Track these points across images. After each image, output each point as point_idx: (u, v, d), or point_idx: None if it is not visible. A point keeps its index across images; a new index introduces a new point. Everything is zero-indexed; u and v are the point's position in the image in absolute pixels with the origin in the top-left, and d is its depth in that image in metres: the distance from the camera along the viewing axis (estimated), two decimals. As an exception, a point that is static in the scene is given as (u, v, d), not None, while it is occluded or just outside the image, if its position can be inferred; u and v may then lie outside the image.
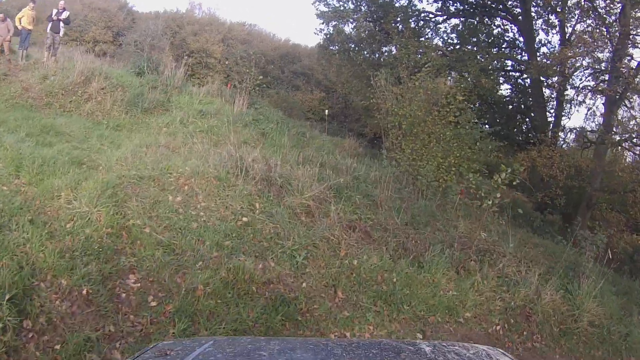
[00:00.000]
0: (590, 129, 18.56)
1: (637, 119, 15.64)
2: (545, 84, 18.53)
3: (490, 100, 19.46)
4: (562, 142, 18.65)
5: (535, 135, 17.60)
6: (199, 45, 30.51)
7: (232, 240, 6.08)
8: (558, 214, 16.02)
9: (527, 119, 20.41)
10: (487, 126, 13.82)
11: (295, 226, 6.65)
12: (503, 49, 19.63)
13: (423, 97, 12.67)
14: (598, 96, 18.13)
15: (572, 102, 18.50)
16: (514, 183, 8.18)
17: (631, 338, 6.94)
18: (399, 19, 18.69)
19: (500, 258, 7.51)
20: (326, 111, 15.98)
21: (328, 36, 22.46)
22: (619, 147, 16.59)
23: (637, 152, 15.35)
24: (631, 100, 16.78)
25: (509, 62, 20.06)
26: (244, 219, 6.62)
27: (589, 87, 17.83)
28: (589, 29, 15.45)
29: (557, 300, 6.95)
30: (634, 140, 15.44)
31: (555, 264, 8.61)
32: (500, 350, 2.01)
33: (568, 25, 18.13)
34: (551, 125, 18.12)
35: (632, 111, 16.83)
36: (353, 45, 21.79)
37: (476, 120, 12.47)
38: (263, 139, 13.31)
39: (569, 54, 14.53)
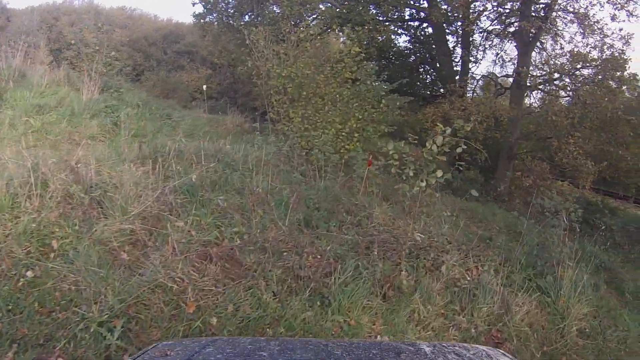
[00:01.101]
0: (500, 75, 17.17)
1: (555, 59, 14.11)
2: (448, 31, 16.83)
3: (389, 55, 17.52)
4: (471, 92, 17.06)
5: (443, 86, 15.85)
6: (74, 36, 26.62)
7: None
8: (476, 169, 14.40)
9: (432, 70, 18.70)
10: (388, 83, 11.79)
11: (109, 274, 3.88)
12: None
13: (311, 52, 10.29)
14: (507, 41, 16.77)
15: (479, 48, 16.95)
16: (460, 149, 5.22)
17: (631, 340, 5.01)
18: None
19: (440, 256, 5.23)
20: (204, 87, 13.20)
21: (206, 5, 19.40)
22: (538, 90, 15.18)
23: (571, 95, 13.84)
24: (543, 41, 15.41)
25: (408, 12, 18.16)
26: (29, 273, 3.83)
27: (497, 31, 16.34)
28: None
29: (533, 310, 4.83)
30: (555, 82, 13.94)
31: (509, 243, 6.96)
32: (501, 350, 1.94)
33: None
34: (458, 74, 16.50)
35: (545, 53, 15.39)
36: (232, 11, 18.91)
37: (377, 74, 10.29)
38: (117, 130, 10.42)
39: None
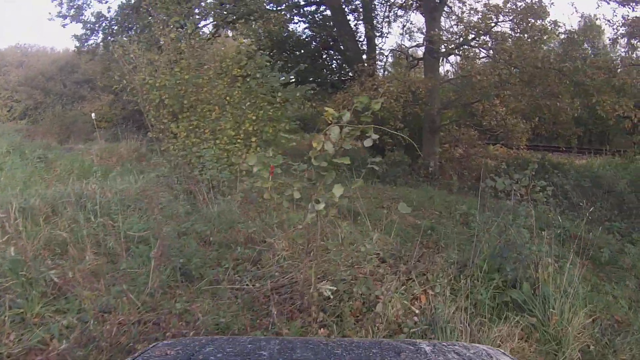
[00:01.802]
0: (410, 46, 16.34)
1: (469, 17, 13.15)
2: (347, 10, 15.84)
3: (288, 45, 16.35)
4: (382, 70, 16.11)
5: (350, 68, 14.84)
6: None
7: None
8: (401, 150, 13.49)
9: (337, 54, 17.62)
10: (285, 74, 10.62)
11: None
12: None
13: (188, 53, 8.89)
14: (412, 11, 15.99)
15: (384, 21, 16.06)
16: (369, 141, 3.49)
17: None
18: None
19: (371, 289, 3.91)
20: (92, 114, 11.72)
21: (85, 25, 17.53)
22: (456, 54, 14.38)
23: (493, 51, 12.91)
24: (450, 5, 14.62)
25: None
26: None
27: (400, 2, 15.50)
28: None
29: (518, 344, 3.53)
30: (472, 42, 13.06)
31: (459, 236, 5.99)
32: (501, 350, 1.89)
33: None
34: (365, 53, 15.55)
35: (455, 15, 14.51)
36: (117, 27, 17.13)
37: (271, 66, 9.02)
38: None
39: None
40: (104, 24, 17.47)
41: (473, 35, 12.55)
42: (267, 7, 14.13)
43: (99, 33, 17.86)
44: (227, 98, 8.37)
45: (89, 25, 17.61)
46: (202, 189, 6.73)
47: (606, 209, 10.57)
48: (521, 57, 11.38)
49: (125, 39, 9.83)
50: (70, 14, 16.58)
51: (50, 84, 28.30)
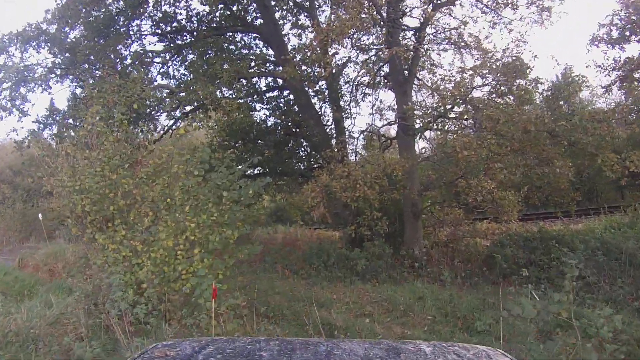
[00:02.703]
0: (382, 126, 15.34)
1: (444, 84, 11.96)
2: (312, 93, 15.01)
3: (253, 135, 15.36)
4: (353, 154, 14.95)
5: (319, 155, 13.73)
6: None
7: None
8: (380, 240, 12.04)
9: (305, 141, 16.58)
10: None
11: None
12: (252, 67, 15.62)
13: (123, 151, 7.59)
14: (380, 89, 15.23)
15: (351, 101, 15.21)
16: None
17: None
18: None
19: None
20: (39, 216, 10.31)
21: (39, 122, 16.31)
22: (433, 130, 13.35)
23: (474, 120, 11.76)
24: (421, 77, 13.79)
25: (264, 83, 16.27)
26: None
27: (367, 81, 14.75)
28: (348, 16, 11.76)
29: None
30: (449, 114, 11.85)
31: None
32: (500, 351, 1.89)
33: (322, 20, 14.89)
34: (334, 138, 14.56)
35: (423, 90, 13.70)
36: (70, 121, 15.94)
37: (218, 155, 7.68)
38: None
39: (323, 38, 10.70)
40: (57, 117, 16.34)
41: (450, 106, 11.43)
42: (225, 94, 13.20)
43: (53, 127, 16.66)
44: (168, 200, 6.98)
45: (41, 118, 16.42)
46: (120, 325, 5.16)
47: (627, 284, 9.13)
48: (509, 122, 10.19)
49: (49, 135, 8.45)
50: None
51: (18, 178, 26.81)
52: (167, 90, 13.04)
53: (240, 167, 7.55)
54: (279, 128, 16.41)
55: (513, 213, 12.49)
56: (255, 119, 15.86)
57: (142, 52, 16.05)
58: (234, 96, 13.46)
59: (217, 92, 12.48)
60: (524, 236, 11.68)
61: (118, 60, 15.48)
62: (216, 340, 1.83)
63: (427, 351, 1.72)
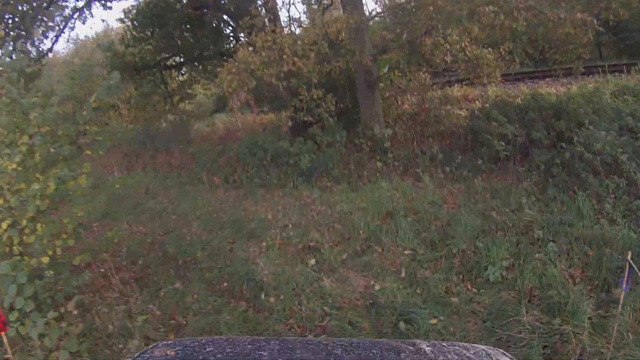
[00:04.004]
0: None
1: None
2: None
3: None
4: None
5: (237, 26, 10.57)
6: None
7: None
8: (333, 120, 9.49)
9: (221, 14, 12.88)
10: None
11: None
12: None
13: None
14: None
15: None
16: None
17: None
18: None
19: None
20: None
21: None
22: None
23: None
24: None
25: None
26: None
27: None
28: None
29: None
30: None
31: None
32: (500, 350, 1.91)
33: None
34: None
35: None
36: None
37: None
38: None
39: None
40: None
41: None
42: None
43: None
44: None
45: None
46: None
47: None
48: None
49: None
50: None
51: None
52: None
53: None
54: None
55: (495, 74, 10.02)
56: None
57: None
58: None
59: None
60: (514, 105, 9.04)
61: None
62: (216, 340, 1.80)
63: (427, 350, 1.69)
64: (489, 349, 1.83)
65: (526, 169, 6.94)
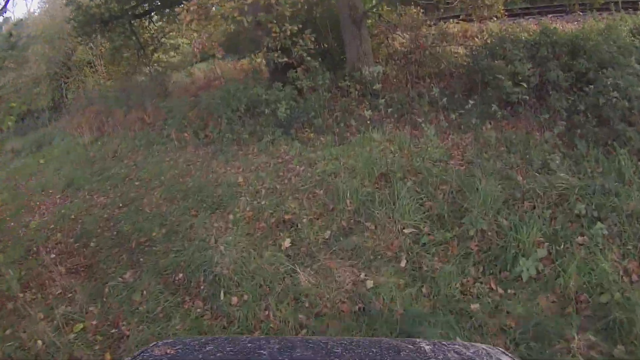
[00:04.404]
0: None
1: None
2: None
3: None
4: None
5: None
6: None
7: None
8: (317, 62, 8.24)
9: None
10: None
11: None
12: None
13: None
14: None
15: None
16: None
17: None
18: None
19: None
20: None
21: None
22: None
23: None
24: None
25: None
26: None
27: None
28: None
29: None
30: None
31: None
32: (501, 349, 1.89)
33: None
34: None
35: None
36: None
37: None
38: None
39: None
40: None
41: None
42: None
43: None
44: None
45: None
46: None
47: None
48: None
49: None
50: None
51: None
52: None
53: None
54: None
55: (497, 6, 8.73)
56: None
57: None
58: None
59: None
60: (522, 41, 7.53)
61: None
62: (216, 339, 1.79)
63: (427, 349, 1.68)
64: (489, 348, 1.80)
65: (545, 116, 5.79)
